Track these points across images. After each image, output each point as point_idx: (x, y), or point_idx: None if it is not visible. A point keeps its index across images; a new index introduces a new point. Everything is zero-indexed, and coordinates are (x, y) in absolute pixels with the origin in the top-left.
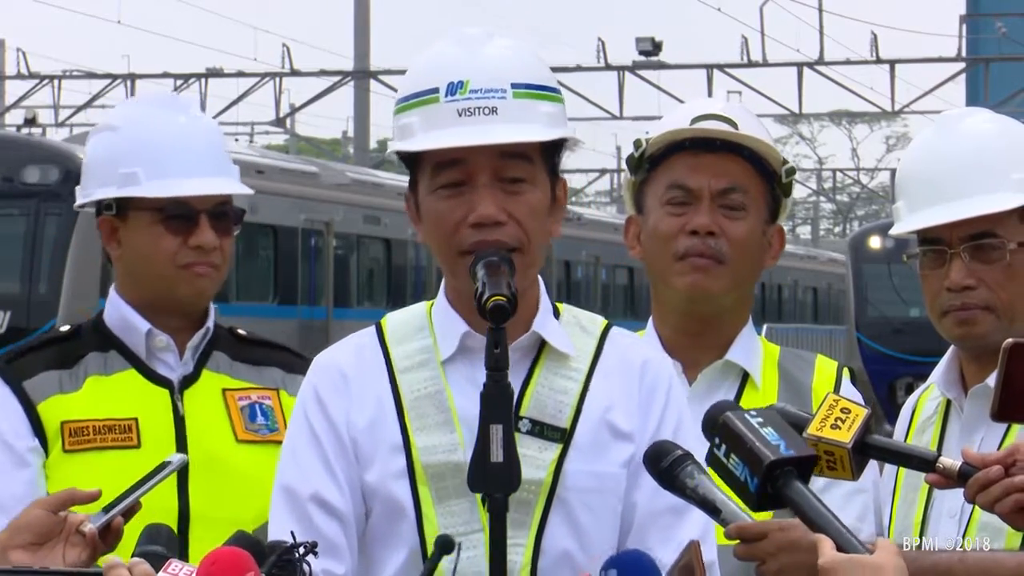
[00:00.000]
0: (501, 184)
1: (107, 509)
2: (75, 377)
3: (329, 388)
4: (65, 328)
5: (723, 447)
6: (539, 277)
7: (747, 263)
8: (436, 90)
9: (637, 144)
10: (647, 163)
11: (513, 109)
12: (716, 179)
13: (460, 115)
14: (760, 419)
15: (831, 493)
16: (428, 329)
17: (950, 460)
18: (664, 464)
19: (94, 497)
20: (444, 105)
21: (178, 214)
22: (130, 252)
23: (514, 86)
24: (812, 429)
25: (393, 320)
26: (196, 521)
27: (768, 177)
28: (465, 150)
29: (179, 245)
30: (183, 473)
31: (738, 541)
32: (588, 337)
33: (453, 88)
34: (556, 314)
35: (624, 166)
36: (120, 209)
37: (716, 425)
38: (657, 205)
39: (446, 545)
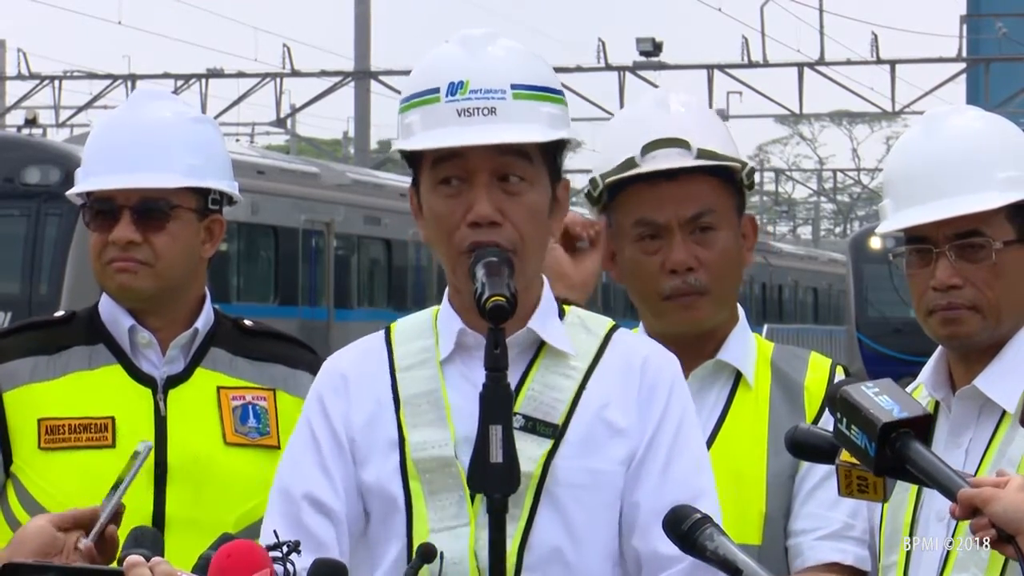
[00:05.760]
0: (500, 184)
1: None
2: (54, 366)
3: (329, 391)
4: (60, 313)
5: (844, 420)
6: (544, 278)
7: (729, 279)
8: (437, 90)
9: (593, 183)
10: (606, 193)
11: (513, 109)
12: (682, 207)
13: (459, 115)
14: (876, 388)
15: (823, 490)
16: (432, 330)
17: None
18: (684, 528)
19: (95, 515)
20: (444, 105)
21: (101, 210)
22: None
23: (514, 87)
24: (844, 458)
25: (402, 323)
26: (172, 524)
27: (732, 180)
28: (464, 147)
29: (103, 242)
30: (161, 475)
31: None
32: (591, 337)
33: (453, 88)
34: (561, 315)
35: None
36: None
37: (835, 401)
38: (628, 239)
39: (427, 554)
